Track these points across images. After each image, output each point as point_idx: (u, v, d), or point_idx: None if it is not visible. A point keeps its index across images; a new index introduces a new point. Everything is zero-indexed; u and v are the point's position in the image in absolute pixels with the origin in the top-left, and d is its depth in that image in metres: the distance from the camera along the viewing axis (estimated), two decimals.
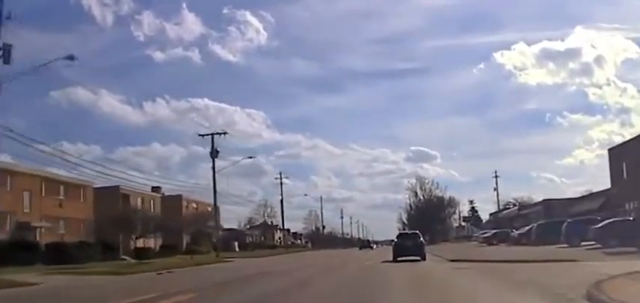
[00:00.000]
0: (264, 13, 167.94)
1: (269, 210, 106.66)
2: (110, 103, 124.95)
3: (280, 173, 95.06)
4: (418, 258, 31.07)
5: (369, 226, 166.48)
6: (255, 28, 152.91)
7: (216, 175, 56.87)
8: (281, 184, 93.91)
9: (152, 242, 65.21)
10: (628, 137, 45.25)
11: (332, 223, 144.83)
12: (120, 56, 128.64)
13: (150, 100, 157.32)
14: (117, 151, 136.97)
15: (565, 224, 39.91)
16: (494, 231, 66.33)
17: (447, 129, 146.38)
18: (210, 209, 70.99)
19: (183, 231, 73.23)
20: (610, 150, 48.06)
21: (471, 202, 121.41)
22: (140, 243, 59.47)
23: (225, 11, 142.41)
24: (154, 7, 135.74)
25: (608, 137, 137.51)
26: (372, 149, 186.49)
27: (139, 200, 72.12)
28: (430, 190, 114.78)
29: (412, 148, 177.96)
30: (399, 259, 31.54)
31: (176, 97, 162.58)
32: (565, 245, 37.68)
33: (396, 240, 35.73)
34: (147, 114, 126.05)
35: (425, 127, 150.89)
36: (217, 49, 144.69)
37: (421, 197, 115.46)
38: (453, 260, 28.11)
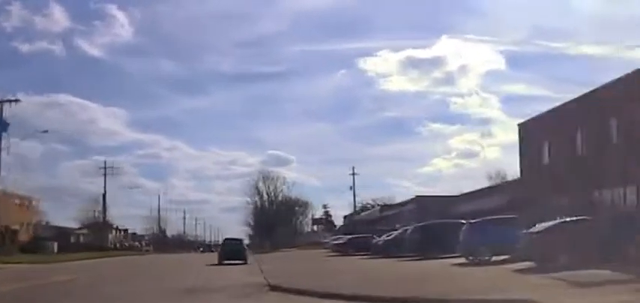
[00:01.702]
0: (131, 8, 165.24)
1: (100, 207, 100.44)
2: None
3: (105, 162, 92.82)
4: (241, 261, 37.71)
5: (223, 229, 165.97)
6: (121, 24, 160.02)
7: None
8: (105, 175, 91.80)
9: None
10: (557, 104, 33.72)
11: (185, 226, 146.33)
12: None
13: (10, 93, 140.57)
14: None
15: (464, 227, 27.85)
16: (350, 236, 55.32)
17: (305, 134, 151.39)
18: (19, 202, 68.08)
19: None
20: (522, 125, 36.43)
21: (325, 206, 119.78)
22: None
23: (92, 6, 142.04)
24: None
25: (469, 147, 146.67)
26: (230, 152, 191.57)
27: None
28: (275, 188, 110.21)
29: (269, 151, 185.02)
30: (224, 262, 37.96)
31: (39, 92, 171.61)
32: (463, 259, 27.10)
33: (221, 245, 43.24)
34: (6, 109, 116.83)
35: (283, 132, 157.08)
36: (82, 44, 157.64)
37: (265, 195, 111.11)
38: (275, 288, 19.46)
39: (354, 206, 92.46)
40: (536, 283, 16.70)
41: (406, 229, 38.46)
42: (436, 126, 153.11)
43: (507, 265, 22.48)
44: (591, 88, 29.64)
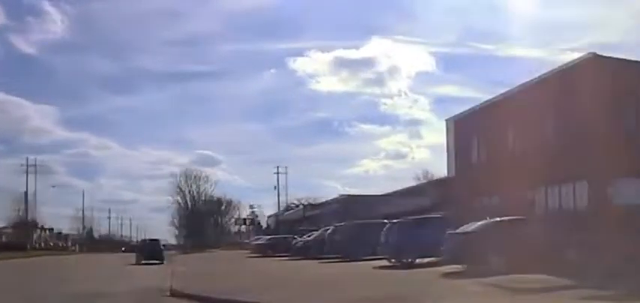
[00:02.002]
0: (64, 4, 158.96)
1: (24, 206, 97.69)
2: None
3: (27, 159, 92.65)
4: (159, 261, 40.31)
5: (151, 229, 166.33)
6: (54, 20, 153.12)
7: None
8: (27, 173, 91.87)
9: None
10: (488, 98, 32.04)
11: (114, 226, 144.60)
12: None
13: None
14: None
15: (387, 227, 25.94)
16: (271, 237, 54.18)
17: (234, 134, 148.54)
18: None
19: None
20: (450, 121, 34.51)
21: (252, 206, 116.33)
22: None
23: (25, 1, 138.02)
24: None
25: (395, 148, 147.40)
26: (161, 151, 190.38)
27: None
28: (198, 187, 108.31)
29: (198, 151, 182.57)
30: (142, 262, 40.42)
31: None
32: (386, 262, 25.12)
33: (140, 246, 46.17)
34: None
35: (213, 132, 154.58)
36: (14, 40, 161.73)
37: (188, 194, 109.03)
38: (175, 293, 18.35)
39: (278, 206, 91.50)
40: (470, 290, 14.79)
41: (327, 229, 36.54)
42: (365, 127, 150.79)
43: (434, 268, 20.63)
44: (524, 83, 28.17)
